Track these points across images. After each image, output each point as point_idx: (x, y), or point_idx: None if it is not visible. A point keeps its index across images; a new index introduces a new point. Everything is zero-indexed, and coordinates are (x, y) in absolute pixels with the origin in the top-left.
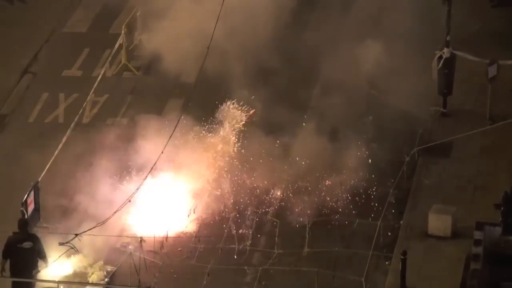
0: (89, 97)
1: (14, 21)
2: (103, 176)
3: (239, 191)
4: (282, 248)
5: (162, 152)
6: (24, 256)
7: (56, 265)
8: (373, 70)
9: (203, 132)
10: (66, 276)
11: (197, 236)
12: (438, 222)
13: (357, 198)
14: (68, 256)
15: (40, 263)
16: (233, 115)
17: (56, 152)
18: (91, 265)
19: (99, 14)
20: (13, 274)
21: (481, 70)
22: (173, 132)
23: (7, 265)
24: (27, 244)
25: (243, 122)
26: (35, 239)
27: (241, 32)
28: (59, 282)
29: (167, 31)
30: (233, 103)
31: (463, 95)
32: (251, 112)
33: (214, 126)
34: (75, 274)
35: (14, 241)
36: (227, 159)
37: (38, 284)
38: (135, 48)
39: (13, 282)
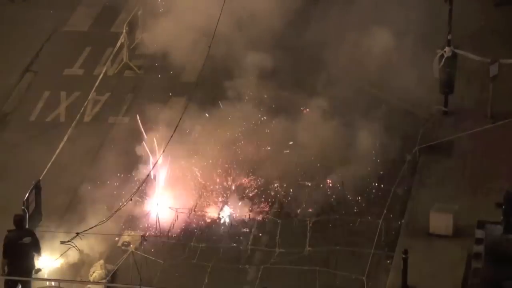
0: (90, 95)
1: (15, 19)
2: (104, 175)
3: (241, 189)
4: (283, 247)
5: (163, 151)
6: (25, 251)
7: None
8: (374, 69)
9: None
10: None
11: (199, 235)
12: (440, 221)
13: (358, 196)
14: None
15: (36, 256)
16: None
17: (58, 150)
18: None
19: (100, 13)
20: (12, 271)
21: (482, 68)
22: (175, 130)
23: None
24: (27, 239)
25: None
26: (32, 234)
27: (246, 24)
28: (60, 281)
29: (168, 29)
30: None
31: (464, 93)
32: (305, 110)
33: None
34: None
35: (14, 238)
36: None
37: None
38: (137, 47)
39: (7, 279)
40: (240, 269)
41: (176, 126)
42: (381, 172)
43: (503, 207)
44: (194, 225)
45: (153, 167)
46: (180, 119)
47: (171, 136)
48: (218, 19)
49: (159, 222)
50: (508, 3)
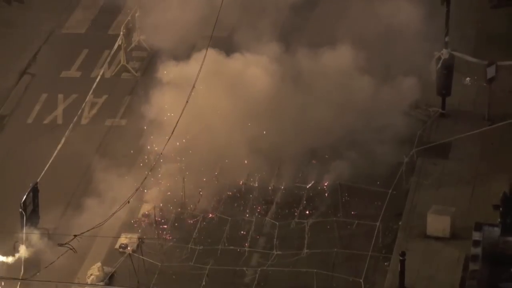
0: (88, 98)
1: (12, 22)
2: (102, 176)
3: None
4: (280, 249)
5: (161, 153)
6: None
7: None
8: (372, 70)
9: None
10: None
11: (196, 237)
12: (437, 223)
13: (356, 199)
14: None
15: None
16: None
17: (55, 152)
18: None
19: (97, 15)
20: None
21: (479, 71)
22: (172, 132)
23: None
24: None
25: None
26: None
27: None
28: (58, 282)
29: (166, 30)
30: None
31: (461, 96)
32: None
33: None
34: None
35: None
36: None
37: None
38: (134, 49)
39: None
40: (237, 271)
41: (175, 126)
42: (378, 174)
43: (500, 209)
44: (192, 227)
45: (152, 167)
46: (179, 119)
47: (170, 137)
48: (216, 22)
49: (157, 223)
50: (505, 5)
